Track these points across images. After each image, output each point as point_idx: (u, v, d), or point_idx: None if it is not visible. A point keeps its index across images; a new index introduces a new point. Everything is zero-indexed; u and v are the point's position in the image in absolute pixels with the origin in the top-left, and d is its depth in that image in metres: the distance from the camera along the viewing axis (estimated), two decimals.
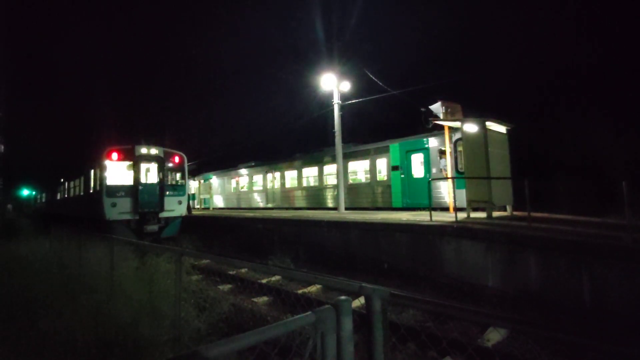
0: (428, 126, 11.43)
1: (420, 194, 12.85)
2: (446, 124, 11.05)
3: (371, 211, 14.20)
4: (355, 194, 15.95)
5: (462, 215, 8.90)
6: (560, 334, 1.55)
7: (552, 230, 6.69)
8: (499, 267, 6.66)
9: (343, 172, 15.22)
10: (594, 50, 22.03)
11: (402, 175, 13.91)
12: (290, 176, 19.97)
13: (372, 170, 15.30)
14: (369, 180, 15.53)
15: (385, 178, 14.71)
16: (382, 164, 14.96)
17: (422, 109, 11.62)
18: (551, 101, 22.25)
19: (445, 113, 11.15)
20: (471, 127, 9.49)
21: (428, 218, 8.83)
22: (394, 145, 14.36)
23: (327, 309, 1.53)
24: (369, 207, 15.18)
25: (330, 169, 17.15)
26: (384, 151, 14.79)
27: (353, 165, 16.31)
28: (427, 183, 10.93)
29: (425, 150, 13.25)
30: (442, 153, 12.37)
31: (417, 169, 13.60)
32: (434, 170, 12.86)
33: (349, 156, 15.96)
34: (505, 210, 10.28)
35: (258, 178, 22.45)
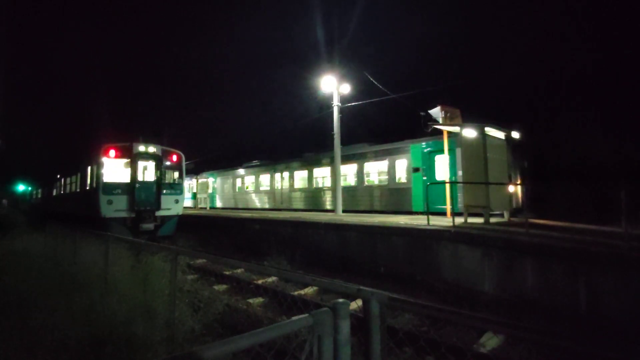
0: (427, 130, 11.42)
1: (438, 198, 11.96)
2: (445, 128, 11.05)
3: (381, 215, 13.69)
4: (369, 196, 15.40)
5: (459, 220, 8.90)
6: (557, 340, 1.53)
7: (550, 237, 6.69)
8: (496, 272, 6.65)
9: (352, 174, 15.43)
10: (593, 54, 22.17)
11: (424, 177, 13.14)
12: (289, 177, 19.95)
13: (391, 171, 14.55)
14: (385, 183, 14.82)
15: (405, 180, 14.04)
16: (401, 165, 14.19)
17: (422, 113, 11.61)
18: (550, 105, 22.34)
19: (445, 118, 11.14)
20: (470, 132, 9.51)
21: (425, 222, 8.82)
22: (415, 146, 13.64)
23: (324, 311, 1.51)
24: (385, 210, 14.50)
25: (326, 172, 17.17)
26: (403, 152, 14.05)
27: (367, 167, 15.68)
28: (426, 187, 10.90)
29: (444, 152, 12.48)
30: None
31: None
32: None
33: (360, 157, 15.67)
34: (502, 216, 10.28)
35: (257, 179, 22.40)
